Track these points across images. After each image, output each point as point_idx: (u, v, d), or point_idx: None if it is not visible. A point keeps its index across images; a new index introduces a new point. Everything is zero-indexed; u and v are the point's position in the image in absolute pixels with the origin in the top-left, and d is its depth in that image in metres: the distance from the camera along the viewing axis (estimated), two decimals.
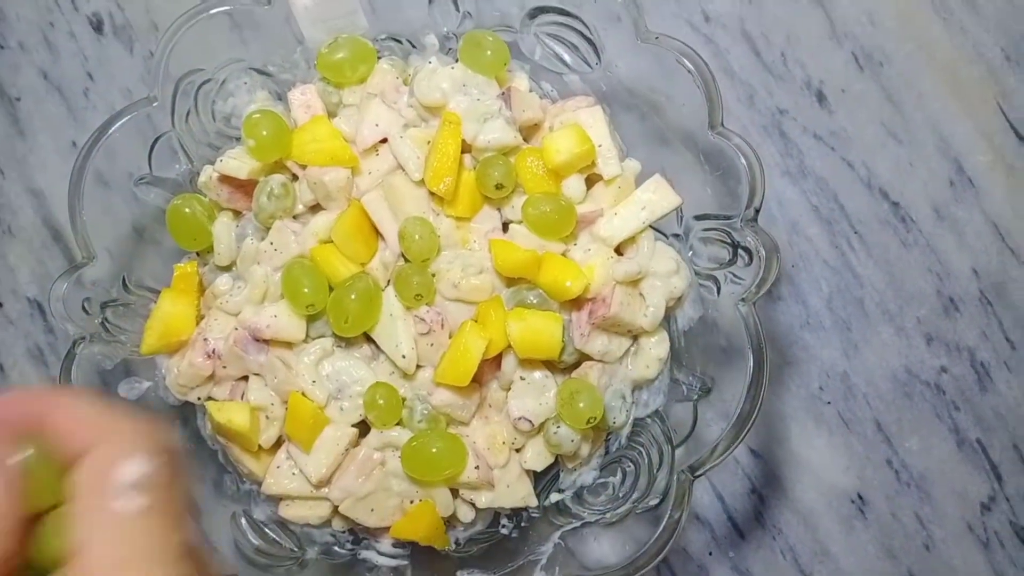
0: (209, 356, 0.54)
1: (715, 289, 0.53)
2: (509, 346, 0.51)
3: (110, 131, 0.53)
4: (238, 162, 0.54)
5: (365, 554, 0.57)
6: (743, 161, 0.50)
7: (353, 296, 0.51)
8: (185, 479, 0.32)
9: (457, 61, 0.55)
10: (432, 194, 0.53)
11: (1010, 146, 0.64)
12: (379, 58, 0.56)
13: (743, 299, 0.50)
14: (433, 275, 0.53)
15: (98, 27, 0.68)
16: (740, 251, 0.51)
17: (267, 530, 0.56)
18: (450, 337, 0.52)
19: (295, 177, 0.55)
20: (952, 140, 0.64)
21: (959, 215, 0.64)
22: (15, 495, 0.30)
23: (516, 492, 0.54)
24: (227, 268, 0.56)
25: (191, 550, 0.31)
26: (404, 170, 0.53)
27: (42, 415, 0.32)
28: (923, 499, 0.63)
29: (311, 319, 0.54)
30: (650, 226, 0.54)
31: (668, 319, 0.55)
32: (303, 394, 0.53)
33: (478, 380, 0.52)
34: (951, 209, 0.64)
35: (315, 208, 0.55)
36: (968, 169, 0.64)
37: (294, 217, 0.55)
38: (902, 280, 0.64)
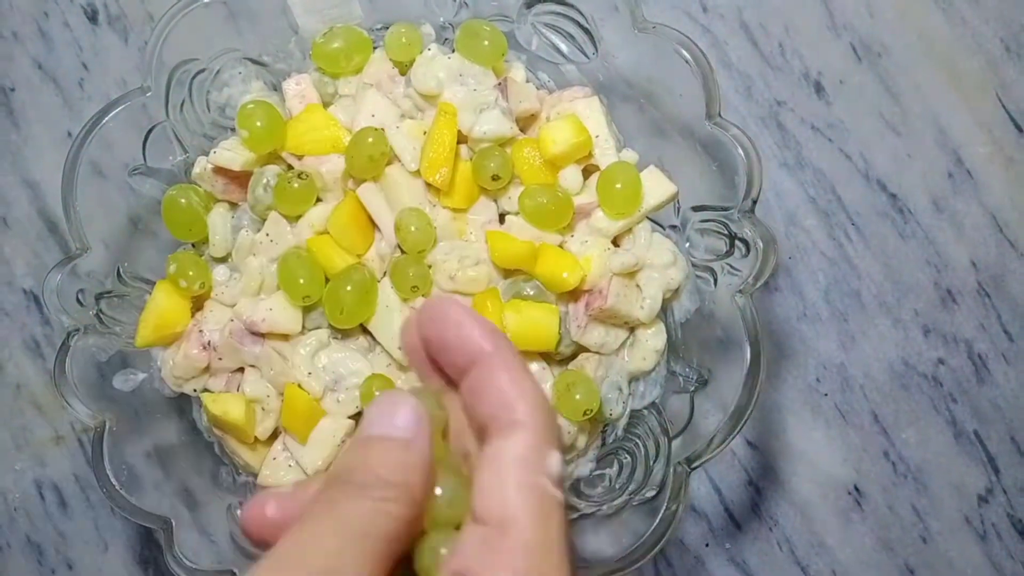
0: (204, 348, 0.53)
1: (712, 281, 0.53)
2: None
3: (103, 121, 0.52)
4: (232, 153, 0.53)
5: None
6: (740, 152, 0.49)
7: (349, 288, 0.51)
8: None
9: (454, 51, 0.54)
10: (428, 185, 0.53)
11: (1009, 138, 0.64)
12: (375, 48, 0.56)
13: (740, 291, 0.50)
14: (429, 267, 0.52)
15: (93, 17, 0.67)
16: (737, 242, 0.51)
17: None
18: None
19: (290, 168, 0.54)
20: (951, 132, 0.64)
21: (957, 207, 0.64)
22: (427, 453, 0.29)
23: None
24: (223, 259, 0.56)
25: None
26: (400, 161, 0.53)
27: (477, 364, 0.30)
28: (920, 491, 0.63)
29: (307, 311, 0.53)
30: (647, 217, 0.54)
31: (665, 311, 0.55)
32: (299, 386, 0.52)
33: None
34: (949, 201, 0.64)
35: None
36: (967, 161, 0.64)
37: None
38: (900, 272, 0.64)
